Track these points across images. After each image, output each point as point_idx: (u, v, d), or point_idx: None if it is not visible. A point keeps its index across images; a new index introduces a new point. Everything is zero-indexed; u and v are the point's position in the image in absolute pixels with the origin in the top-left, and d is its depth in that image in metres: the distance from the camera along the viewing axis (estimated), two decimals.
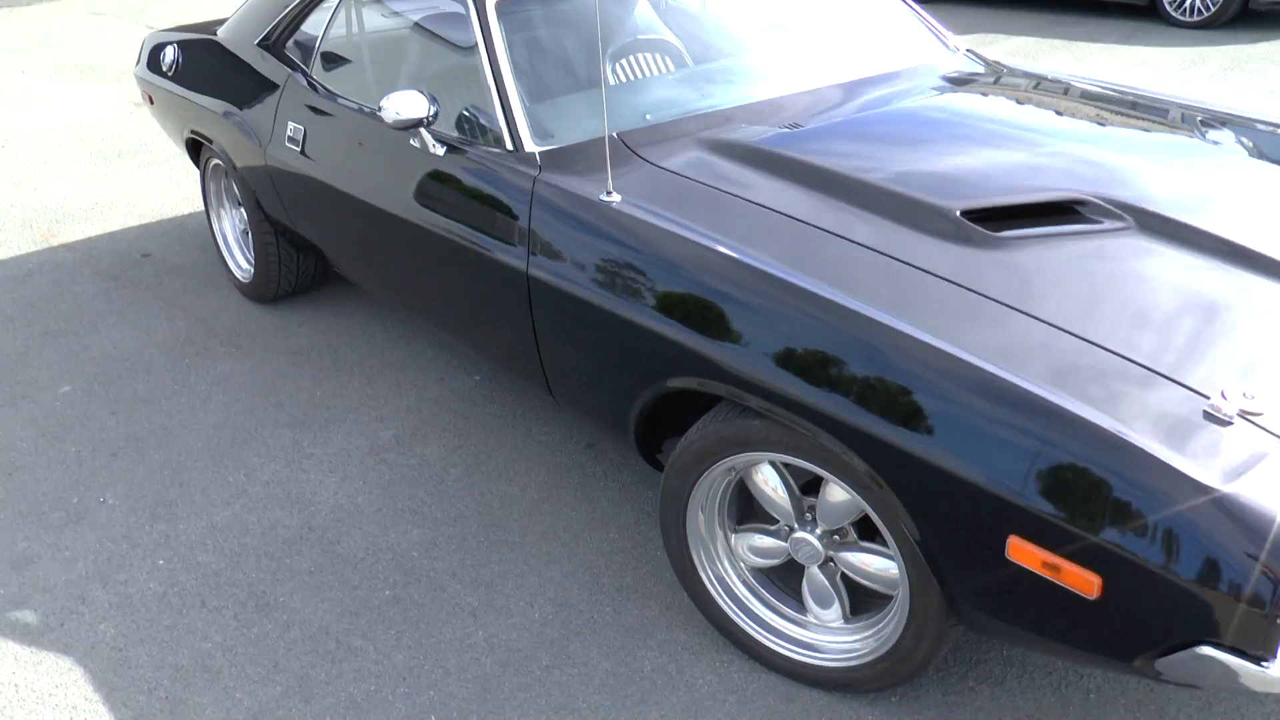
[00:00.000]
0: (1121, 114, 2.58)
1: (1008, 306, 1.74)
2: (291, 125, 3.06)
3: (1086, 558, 1.48)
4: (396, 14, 2.98)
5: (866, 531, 2.00)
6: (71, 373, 3.45)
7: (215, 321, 3.74)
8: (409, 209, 2.58)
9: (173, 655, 2.25)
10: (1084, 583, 1.49)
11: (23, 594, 2.47)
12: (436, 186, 2.49)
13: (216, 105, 3.43)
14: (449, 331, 2.73)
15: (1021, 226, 1.97)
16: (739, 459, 1.97)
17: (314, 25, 3.21)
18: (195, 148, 3.89)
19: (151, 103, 4.06)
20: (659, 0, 2.85)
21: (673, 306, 1.94)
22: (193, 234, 4.54)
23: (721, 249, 1.92)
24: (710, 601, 2.15)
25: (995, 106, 2.57)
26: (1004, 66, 2.99)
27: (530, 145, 2.33)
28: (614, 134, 2.34)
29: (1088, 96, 2.71)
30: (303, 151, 3.00)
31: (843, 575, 2.05)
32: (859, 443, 1.69)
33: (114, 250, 4.41)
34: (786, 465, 2.00)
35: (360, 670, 2.18)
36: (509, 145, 2.36)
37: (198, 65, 3.61)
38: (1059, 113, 2.55)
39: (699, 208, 2.09)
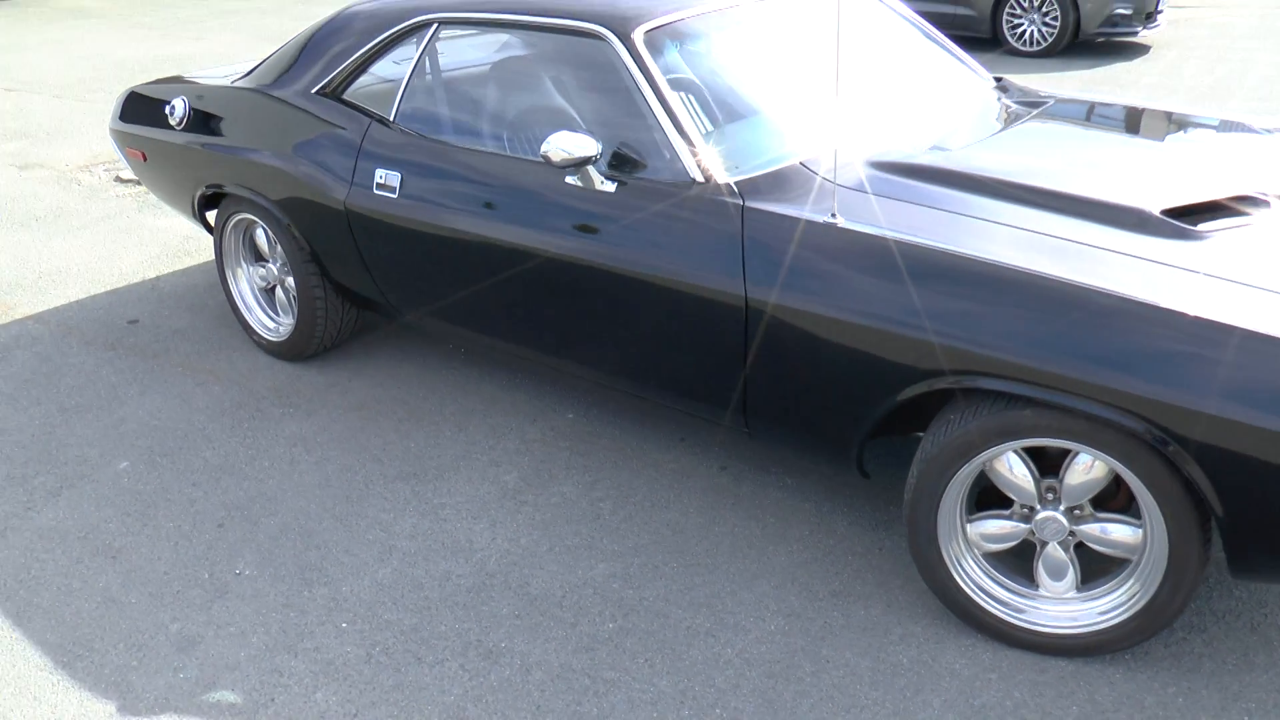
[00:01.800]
0: (1180, 124, 2.93)
1: (1246, 285, 1.98)
2: (382, 173, 3.00)
3: None
4: (484, 55, 2.99)
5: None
6: (120, 448, 3.21)
7: (253, 383, 3.57)
8: (566, 247, 2.60)
9: (418, 713, 2.18)
10: None
11: (206, 674, 2.31)
12: (605, 223, 2.53)
13: (263, 157, 3.30)
14: (600, 370, 2.75)
15: (1206, 221, 2.23)
16: (998, 449, 2.12)
17: (384, 71, 3.17)
18: (206, 204, 3.71)
19: (145, 159, 3.84)
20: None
21: (941, 311, 2.07)
22: (172, 297, 4.29)
23: (981, 255, 2.08)
24: (958, 591, 2.28)
25: (1092, 126, 2.86)
26: (1045, 93, 3.30)
27: (724, 175, 2.42)
28: (799, 161, 2.47)
29: (1134, 113, 3.05)
30: (400, 199, 2.95)
31: (1076, 546, 2.24)
32: (1162, 418, 1.87)
33: (91, 319, 4.11)
34: (1028, 450, 2.17)
35: (631, 700, 2.18)
36: (696, 177, 2.44)
37: (227, 117, 3.46)
38: (1135, 127, 2.87)
39: (913, 222, 2.24)
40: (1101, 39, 8.33)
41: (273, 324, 3.75)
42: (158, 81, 3.93)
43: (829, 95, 2.71)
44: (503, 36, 2.95)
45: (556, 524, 2.76)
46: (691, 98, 2.58)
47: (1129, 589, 2.17)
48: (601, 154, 2.46)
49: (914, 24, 3.27)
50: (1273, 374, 1.80)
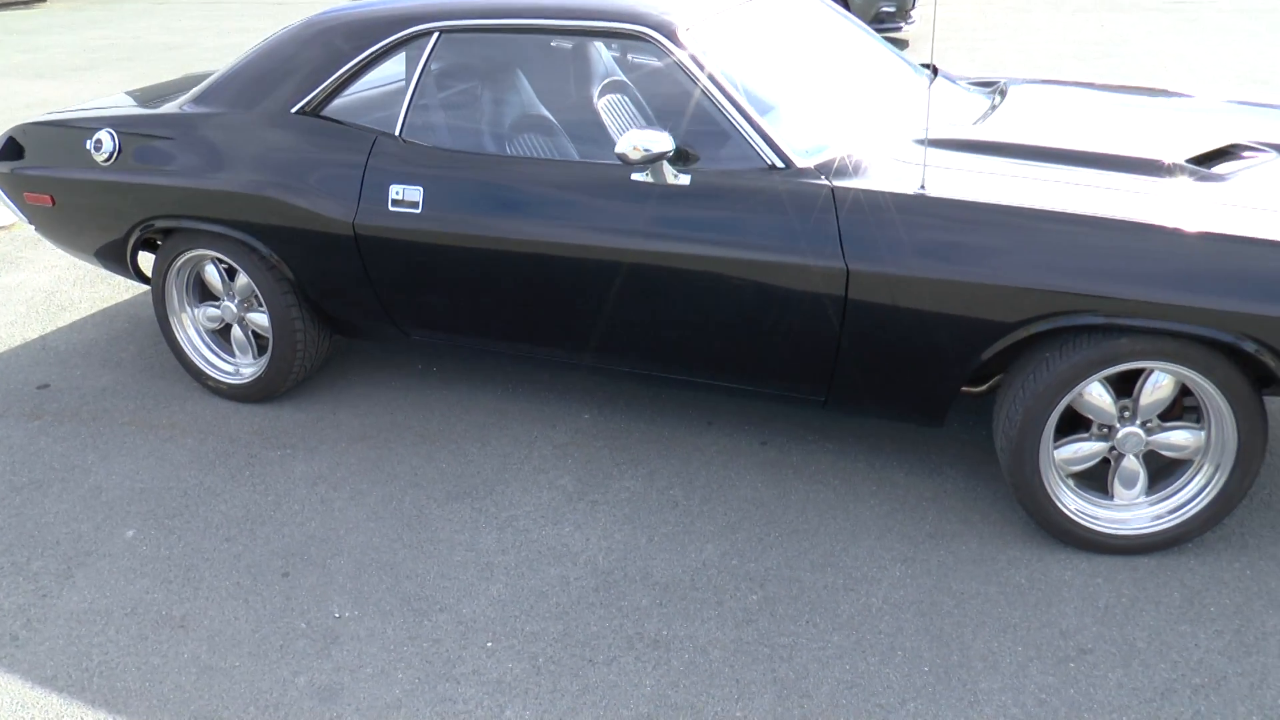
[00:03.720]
0: (1120, 93, 3.37)
1: None
2: (398, 188, 2.91)
3: None
4: (492, 60, 2.98)
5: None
6: (114, 517, 2.92)
7: (229, 430, 3.33)
8: (637, 244, 2.65)
9: (624, 709, 2.19)
10: None
11: (369, 719, 2.20)
12: (682, 216, 2.61)
13: (233, 185, 3.08)
14: (663, 363, 2.81)
15: (1219, 164, 2.63)
16: (1093, 377, 2.40)
17: (371, 84, 3.07)
18: (134, 248, 3.42)
19: (53, 203, 3.47)
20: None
21: (1042, 260, 2.32)
22: (75, 355, 3.89)
23: (1070, 209, 2.36)
24: (1059, 514, 2.55)
25: (1064, 97, 3.23)
26: (986, 76, 3.67)
27: (802, 160, 2.57)
28: (860, 143, 2.66)
29: (1084, 85, 3.48)
30: (426, 214, 2.88)
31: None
32: (1253, 328, 2.21)
33: None
34: (1107, 378, 2.47)
35: (821, 658, 2.29)
36: (775, 163, 2.57)
37: (178, 146, 3.20)
38: (1096, 97, 3.28)
39: (987, 186, 2.48)
40: None
41: (230, 366, 3.50)
42: (52, 115, 3.56)
43: (865, 83, 2.92)
44: (515, 40, 2.94)
45: (640, 516, 2.81)
46: (743, 89, 2.70)
47: (1195, 484, 2.53)
48: (677, 148, 2.54)
49: (859, 24, 3.55)
50: None
